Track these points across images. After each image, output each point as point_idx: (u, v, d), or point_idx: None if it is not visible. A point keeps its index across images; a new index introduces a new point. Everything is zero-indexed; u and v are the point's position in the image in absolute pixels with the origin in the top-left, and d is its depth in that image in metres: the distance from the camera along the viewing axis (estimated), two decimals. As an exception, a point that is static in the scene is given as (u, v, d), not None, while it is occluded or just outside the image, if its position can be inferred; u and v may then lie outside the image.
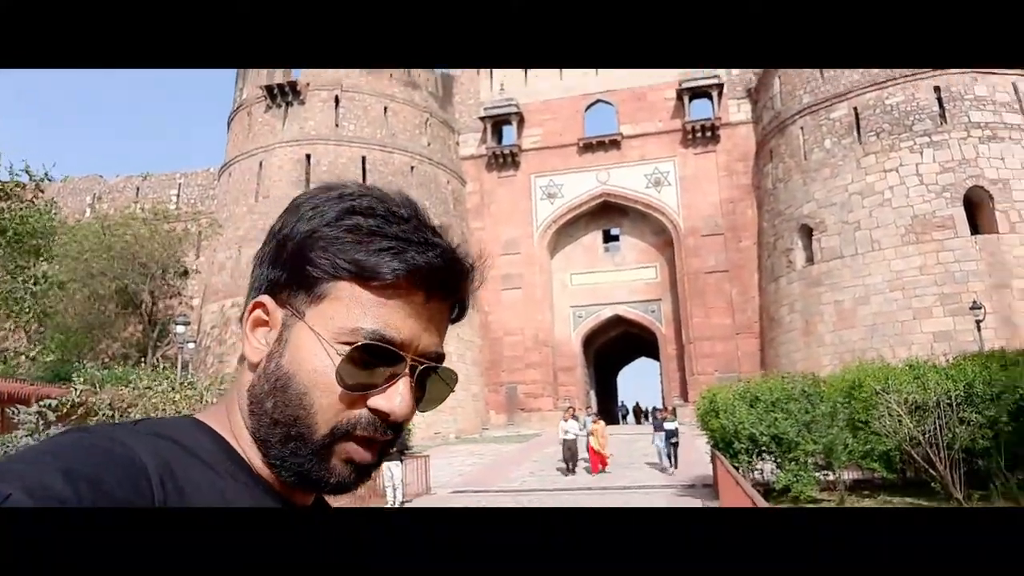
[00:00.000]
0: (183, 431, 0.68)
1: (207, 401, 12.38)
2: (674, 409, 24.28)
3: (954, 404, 11.17)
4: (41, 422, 10.31)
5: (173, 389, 12.75)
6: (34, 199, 19.53)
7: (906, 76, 24.59)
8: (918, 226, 23.29)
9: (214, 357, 27.31)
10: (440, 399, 0.73)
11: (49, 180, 19.88)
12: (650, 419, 26.81)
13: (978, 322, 20.38)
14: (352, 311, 0.67)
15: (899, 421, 11.47)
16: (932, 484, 11.16)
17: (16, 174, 18.93)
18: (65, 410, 11.67)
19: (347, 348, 0.66)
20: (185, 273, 29.24)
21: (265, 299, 0.71)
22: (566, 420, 17.99)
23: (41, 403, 10.91)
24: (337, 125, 29.29)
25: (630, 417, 39.74)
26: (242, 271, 28.00)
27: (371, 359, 0.66)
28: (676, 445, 17.36)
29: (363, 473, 0.70)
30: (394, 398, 0.67)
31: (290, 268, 0.70)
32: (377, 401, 0.67)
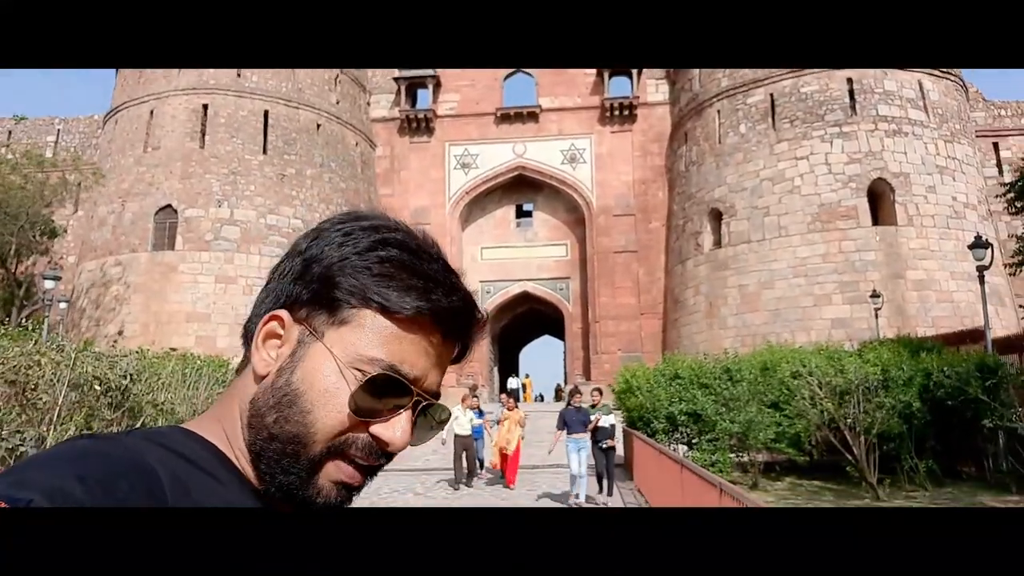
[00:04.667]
0: (175, 440, 0.68)
1: (82, 369, 10.84)
2: (599, 390, 19.27)
3: (872, 389, 11.20)
4: None
5: (39, 352, 11.11)
6: None
7: (821, 66, 25.02)
8: (824, 214, 23.86)
9: (89, 320, 24.98)
10: (430, 436, 0.75)
11: None
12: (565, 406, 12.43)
13: (876, 310, 21.10)
14: (372, 340, 0.69)
15: (818, 404, 11.42)
16: (847, 468, 11.17)
17: None
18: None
19: (361, 374, 0.68)
20: (53, 233, 26.45)
21: (283, 313, 0.72)
22: (464, 408, 12.59)
23: None
24: (239, 75, 27.12)
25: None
26: (124, 227, 25.71)
27: (383, 389, 0.69)
28: (612, 453, 11.18)
29: (350, 493, 0.71)
30: (395, 429, 0.70)
31: (315, 289, 0.71)
32: (379, 429, 0.70)
